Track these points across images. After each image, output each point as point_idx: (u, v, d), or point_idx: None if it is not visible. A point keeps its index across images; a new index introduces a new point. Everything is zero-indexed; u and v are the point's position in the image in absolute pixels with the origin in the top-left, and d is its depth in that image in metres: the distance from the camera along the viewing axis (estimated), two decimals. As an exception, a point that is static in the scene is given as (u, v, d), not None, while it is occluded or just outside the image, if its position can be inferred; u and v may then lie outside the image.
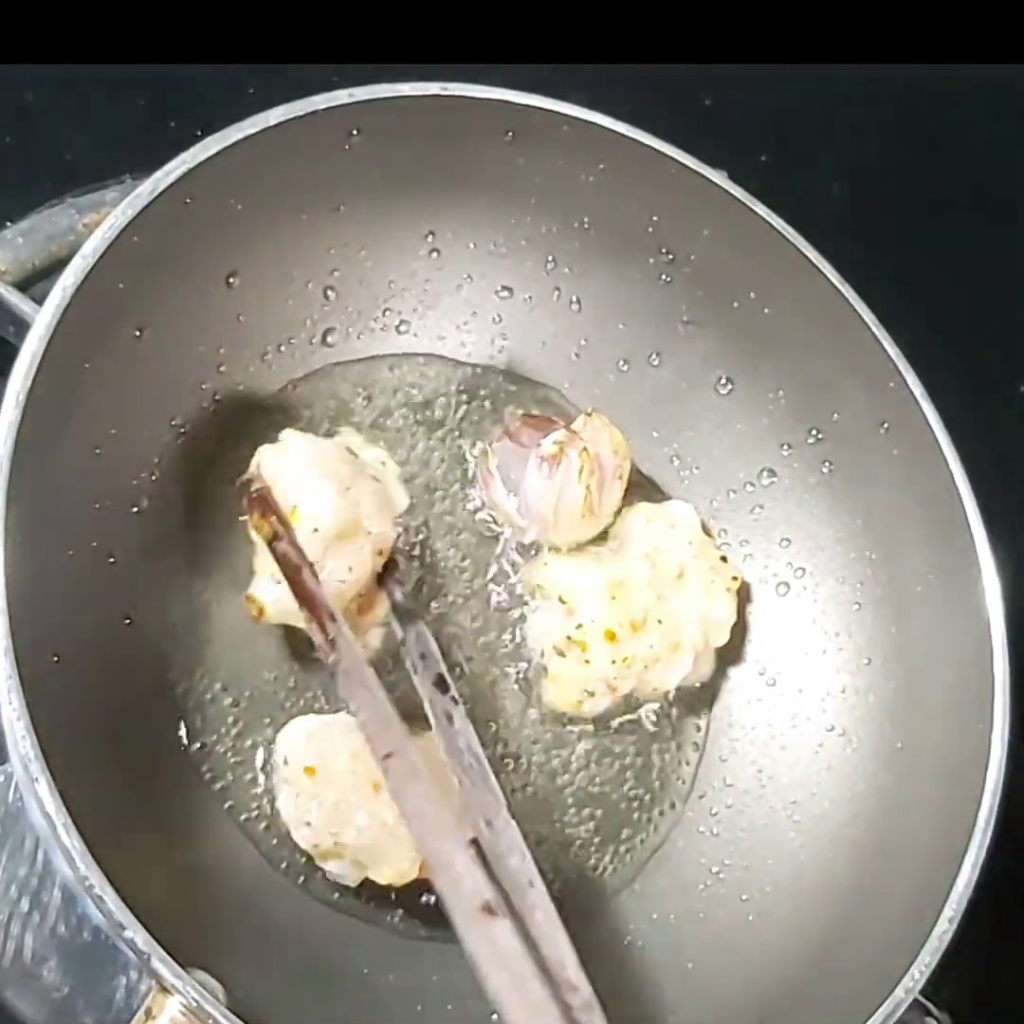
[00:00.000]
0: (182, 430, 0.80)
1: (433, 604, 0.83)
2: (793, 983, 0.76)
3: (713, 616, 0.83)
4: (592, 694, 0.80)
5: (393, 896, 0.76)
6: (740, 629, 0.85)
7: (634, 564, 0.82)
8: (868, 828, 0.80)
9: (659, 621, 0.81)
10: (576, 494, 0.81)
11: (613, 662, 0.79)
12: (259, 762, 0.77)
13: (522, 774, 0.81)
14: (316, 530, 0.73)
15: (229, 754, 0.77)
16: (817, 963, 0.76)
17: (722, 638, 0.84)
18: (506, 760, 0.81)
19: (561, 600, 0.81)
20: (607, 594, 0.81)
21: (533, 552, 0.85)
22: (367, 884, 0.73)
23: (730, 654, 0.86)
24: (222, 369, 0.82)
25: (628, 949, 0.79)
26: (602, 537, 0.86)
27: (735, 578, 0.84)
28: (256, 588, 0.76)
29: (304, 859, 0.75)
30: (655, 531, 0.84)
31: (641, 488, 0.89)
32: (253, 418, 0.83)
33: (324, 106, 0.76)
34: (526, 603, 0.84)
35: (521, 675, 0.83)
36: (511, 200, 0.85)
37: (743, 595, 0.86)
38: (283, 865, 0.76)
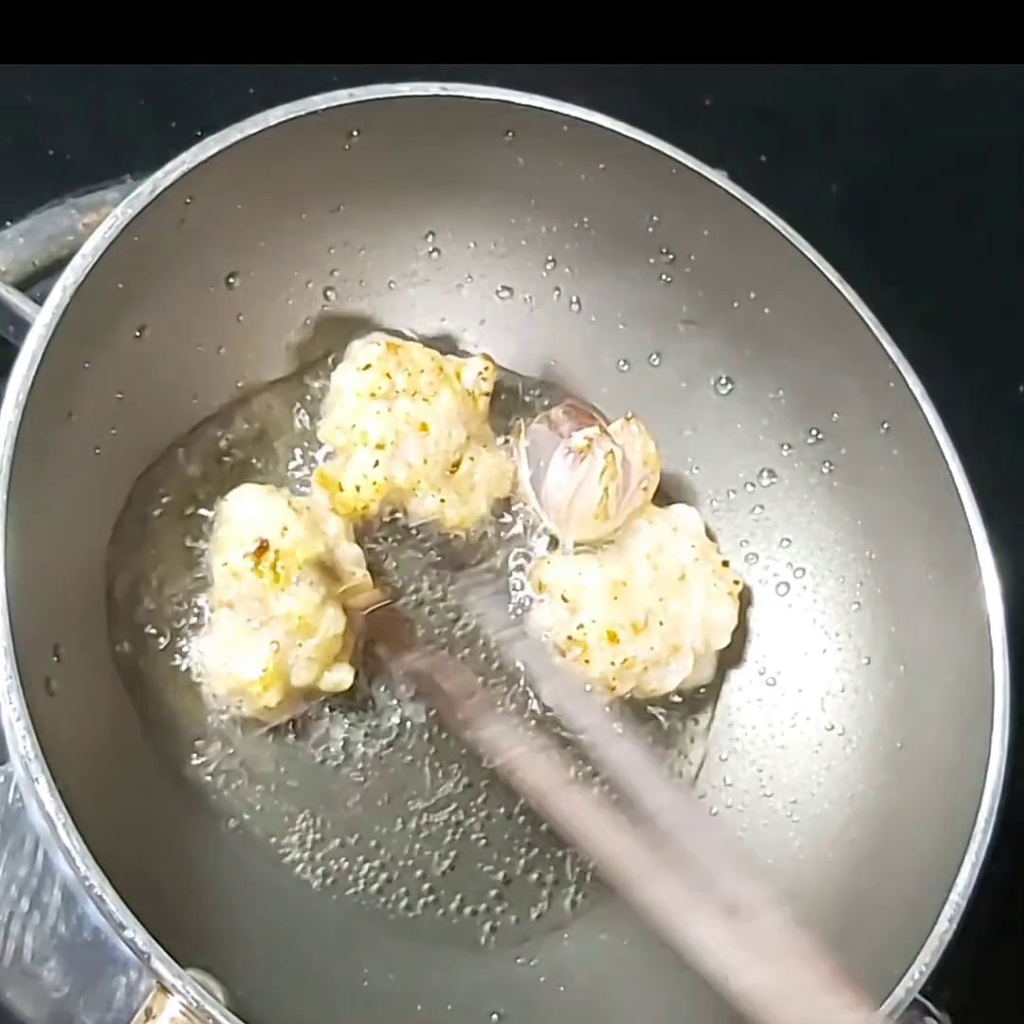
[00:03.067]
0: (182, 429, 0.81)
1: (434, 593, 0.83)
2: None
3: (714, 619, 0.83)
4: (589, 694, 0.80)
5: (394, 896, 0.77)
6: (741, 631, 0.85)
7: (637, 565, 0.82)
8: (868, 828, 0.80)
9: (661, 623, 0.81)
10: (593, 493, 0.81)
11: (613, 663, 0.79)
12: (257, 760, 0.77)
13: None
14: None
15: (229, 754, 0.77)
16: (817, 963, 0.76)
17: (723, 641, 0.84)
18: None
19: (563, 598, 0.81)
20: (609, 594, 0.80)
21: (541, 537, 0.85)
22: (366, 882, 0.74)
23: (730, 654, 0.85)
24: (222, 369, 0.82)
25: (628, 949, 0.79)
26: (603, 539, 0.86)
27: (736, 582, 0.84)
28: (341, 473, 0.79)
29: (304, 858, 0.76)
30: (658, 533, 0.84)
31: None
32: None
33: (324, 106, 0.76)
34: (529, 599, 0.84)
35: (521, 672, 0.83)
36: (511, 200, 0.85)
37: (744, 599, 0.86)
38: (284, 865, 0.76)
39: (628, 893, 0.65)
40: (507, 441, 0.86)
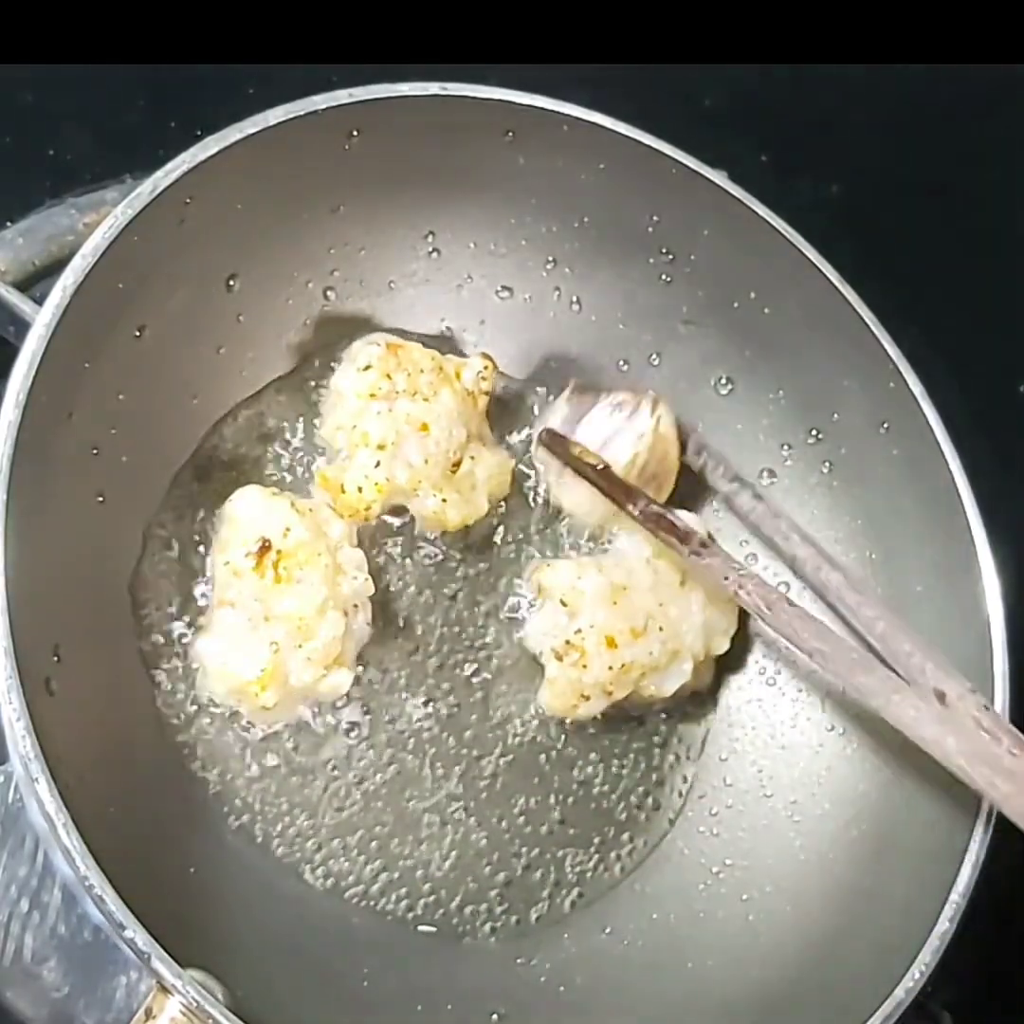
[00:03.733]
0: (183, 430, 0.81)
1: (437, 593, 0.83)
2: (793, 983, 0.76)
3: (714, 625, 0.83)
4: (587, 698, 0.80)
5: (394, 896, 0.77)
6: (741, 636, 0.85)
7: (637, 569, 0.82)
8: (868, 828, 0.80)
9: (660, 628, 0.80)
10: (626, 448, 0.79)
11: (611, 668, 0.79)
12: (257, 759, 0.77)
13: (521, 774, 0.81)
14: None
15: (229, 754, 0.77)
16: (817, 963, 0.76)
17: (722, 647, 0.84)
18: (507, 757, 0.81)
19: (562, 602, 0.81)
20: (609, 598, 0.80)
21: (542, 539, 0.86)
22: (366, 882, 0.74)
23: (730, 659, 0.85)
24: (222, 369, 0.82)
25: (628, 949, 0.79)
26: (605, 540, 0.86)
27: (737, 587, 0.84)
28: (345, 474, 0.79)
29: (304, 858, 0.76)
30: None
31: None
32: (253, 418, 0.84)
33: (324, 106, 0.76)
34: (530, 601, 0.84)
35: (521, 673, 0.83)
36: (511, 200, 0.85)
37: (744, 604, 0.86)
38: (284, 865, 0.76)
39: (845, 681, 0.76)
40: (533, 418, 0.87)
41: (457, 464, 0.82)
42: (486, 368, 0.83)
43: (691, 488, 0.89)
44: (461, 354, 0.87)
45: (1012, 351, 1.08)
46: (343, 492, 0.80)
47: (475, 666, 0.83)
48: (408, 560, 0.83)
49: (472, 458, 0.82)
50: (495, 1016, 0.74)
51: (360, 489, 0.80)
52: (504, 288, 0.89)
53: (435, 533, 0.84)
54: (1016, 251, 1.11)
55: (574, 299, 0.89)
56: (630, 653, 0.80)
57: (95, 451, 0.73)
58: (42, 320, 0.67)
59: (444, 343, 0.88)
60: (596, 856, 0.81)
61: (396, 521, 0.83)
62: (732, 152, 0.85)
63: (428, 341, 0.86)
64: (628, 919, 0.80)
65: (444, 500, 0.81)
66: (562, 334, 0.89)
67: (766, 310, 0.85)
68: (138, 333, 0.75)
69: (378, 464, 0.80)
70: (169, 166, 0.72)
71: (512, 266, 0.88)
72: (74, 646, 0.68)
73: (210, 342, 0.81)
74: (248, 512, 0.76)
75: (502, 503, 0.86)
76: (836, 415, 0.85)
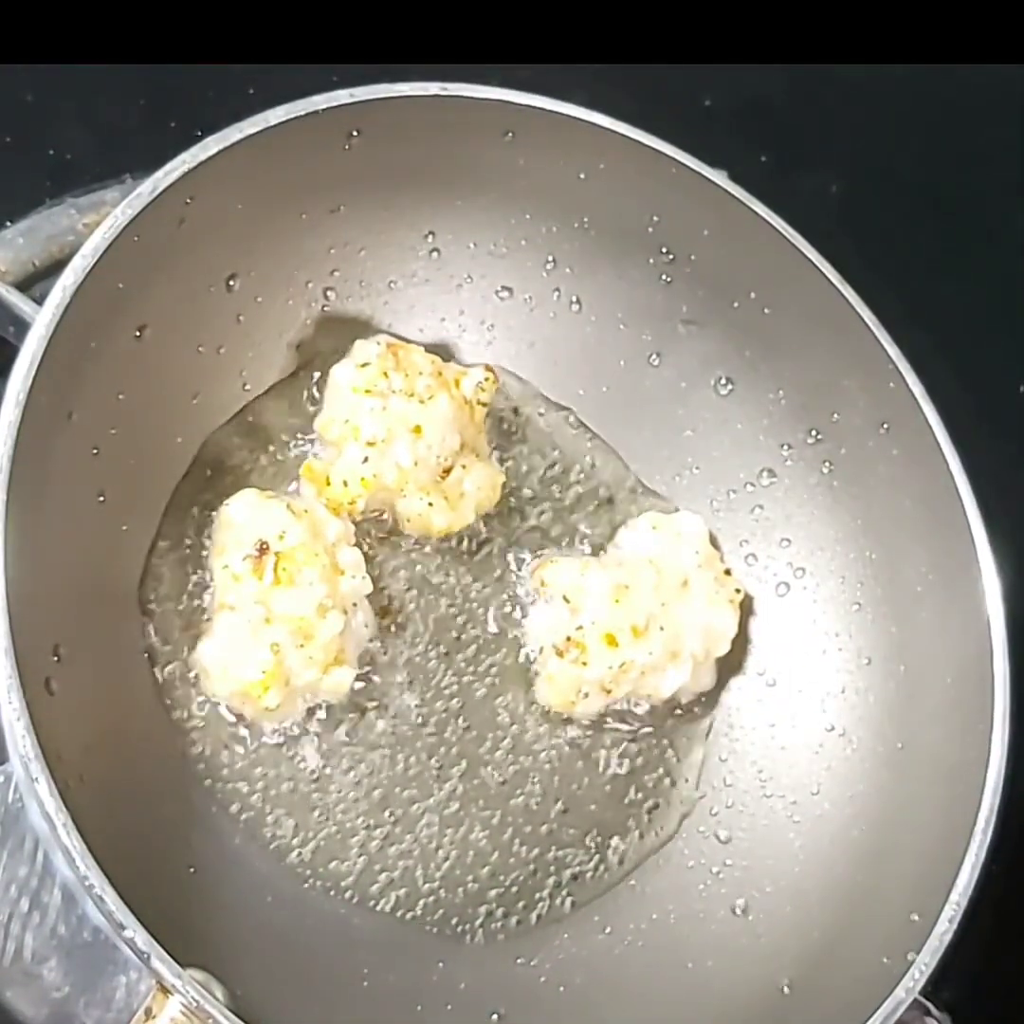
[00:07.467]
0: (182, 430, 0.81)
1: (436, 593, 0.84)
2: (792, 983, 0.76)
3: (715, 627, 0.83)
4: (586, 695, 0.80)
5: (394, 896, 0.77)
6: (741, 637, 0.85)
7: (639, 569, 0.82)
8: (868, 828, 0.80)
9: (661, 628, 0.80)
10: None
11: (610, 667, 0.79)
12: (256, 760, 0.77)
13: (521, 774, 0.81)
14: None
15: (230, 755, 0.77)
16: (817, 963, 0.76)
17: (722, 649, 0.84)
18: (506, 757, 0.81)
19: (565, 598, 0.81)
20: (611, 597, 0.80)
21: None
22: (365, 881, 0.74)
23: (730, 655, 0.85)
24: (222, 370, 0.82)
25: (628, 949, 0.79)
26: (605, 542, 0.86)
27: (738, 590, 0.84)
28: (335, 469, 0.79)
29: (304, 858, 0.76)
30: (662, 539, 0.84)
31: (647, 495, 0.89)
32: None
33: (324, 106, 0.76)
34: (530, 599, 0.84)
35: (521, 671, 0.83)
36: (511, 200, 0.86)
37: (745, 608, 0.86)
38: (284, 865, 0.76)
39: None
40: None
41: (447, 471, 0.82)
42: (487, 379, 0.83)
43: (691, 487, 0.89)
44: (462, 358, 0.87)
45: (1012, 351, 1.08)
46: (328, 484, 0.80)
47: (475, 665, 0.83)
48: (407, 559, 0.84)
49: (463, 467, 0.82)
50: (495, 1016, 0.74)
51: (345, 483, 0.79)
52: (504, 288, 0.89)
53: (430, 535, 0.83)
54: (1015, 251, 1.11)
55: (574, 299, 0.89)
56: (630, 652, 0.80)
57: (95, 451, 0.73)
58: (42, 320, 0.67)
59: (444, 344, 0.88)
60: (596, 856, 0.81)
61: (393, 520, 0.83)
62: (732, 152, 0.85)
63: (430, 346, 0.86)
64: (628, 919, 0.80)
65: (430, 504, 0.81)
66: (562, 334, 0.89)
67: (766, 310, 0.85)
68: (138, 333, 0.75)
69: (366, 460, 0.79)
70: (169, 166, 0.72)
71: (512, 266, 0.88)
72: (74, 646, 0.69)
73: (210, 342, 0.81)
74: (244, 516, 0.77)
75: (501, 503, 0.86)
76: (836, 415, 0.85)
